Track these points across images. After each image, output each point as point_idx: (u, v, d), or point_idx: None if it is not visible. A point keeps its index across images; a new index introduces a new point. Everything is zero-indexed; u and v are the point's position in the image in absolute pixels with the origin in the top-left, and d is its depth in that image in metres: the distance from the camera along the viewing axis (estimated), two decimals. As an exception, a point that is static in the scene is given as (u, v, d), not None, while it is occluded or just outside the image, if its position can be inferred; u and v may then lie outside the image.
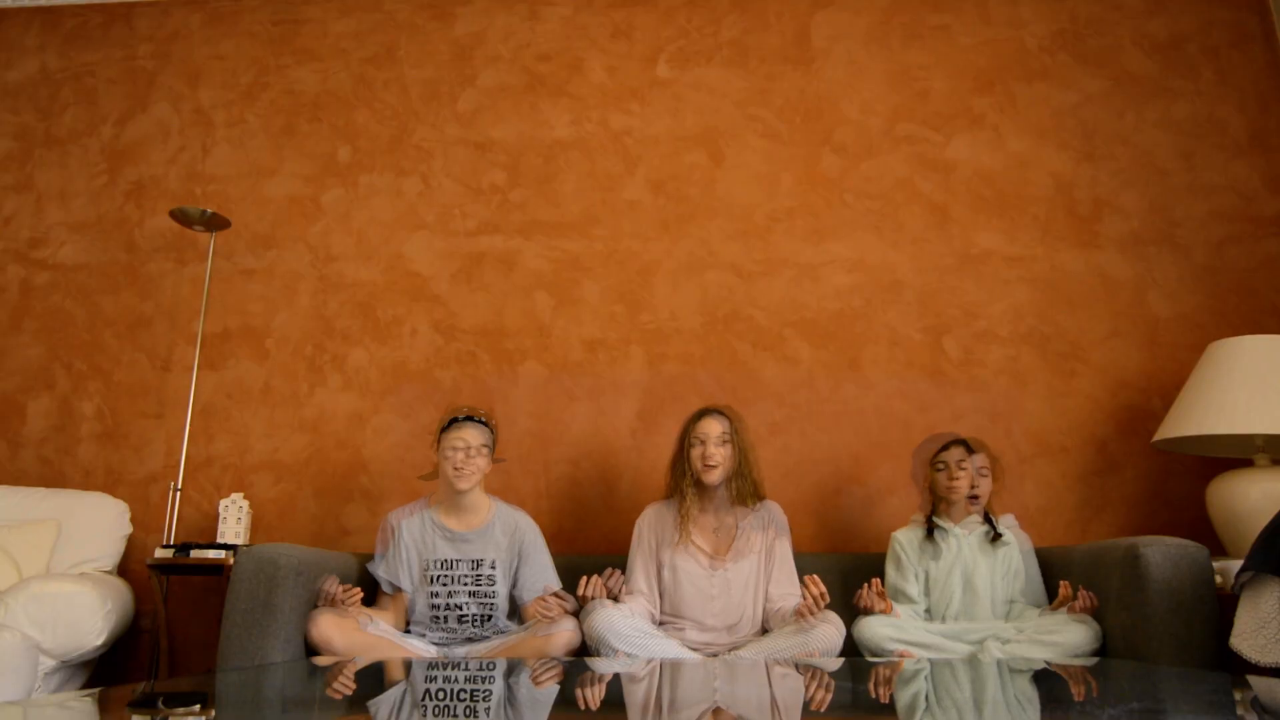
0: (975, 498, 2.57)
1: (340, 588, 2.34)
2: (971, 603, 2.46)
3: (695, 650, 2.43)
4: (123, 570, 3.10)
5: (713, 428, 2.54)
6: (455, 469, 2.50)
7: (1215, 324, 3.07)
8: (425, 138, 3.49)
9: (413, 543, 2.56)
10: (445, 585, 2.52)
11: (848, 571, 2.67)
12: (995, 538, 2.51)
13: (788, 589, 2.49)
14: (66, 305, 3.45)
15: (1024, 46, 3.38)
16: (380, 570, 2.56)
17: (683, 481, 2.56)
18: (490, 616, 2.52)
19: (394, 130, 3.51)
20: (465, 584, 2.52)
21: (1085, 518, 2.97)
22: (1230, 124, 3.25)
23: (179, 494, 3.08)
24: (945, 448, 2.56)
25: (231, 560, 2.78)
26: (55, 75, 3.72)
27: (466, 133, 3.48)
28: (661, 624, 2.51)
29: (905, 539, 2.57)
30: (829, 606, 2.34)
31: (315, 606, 2.39)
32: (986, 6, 3.43)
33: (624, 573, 2.55)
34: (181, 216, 3.21)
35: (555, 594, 2.46)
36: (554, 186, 3.40)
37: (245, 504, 3.04)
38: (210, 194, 3.51)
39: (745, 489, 2.55)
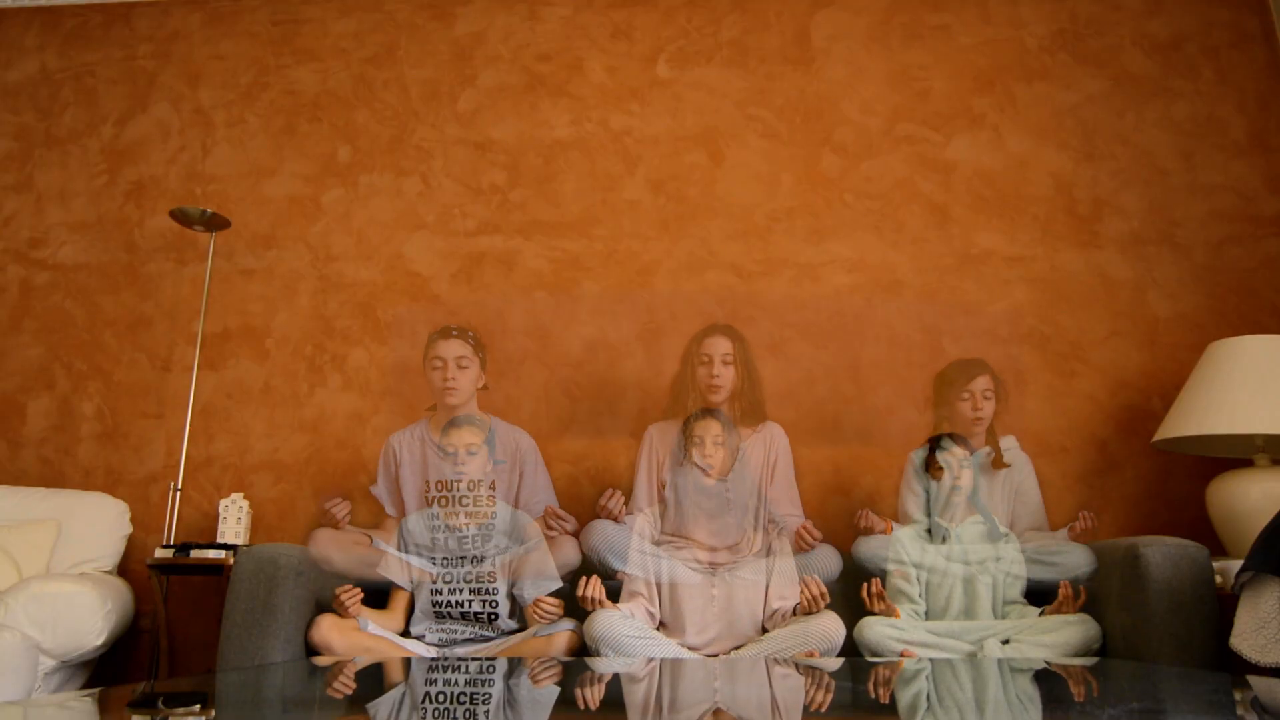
0: (980, 419, 2.56)
1: (342, 589, 2.35)
2: (972, 601, 2.46)
3: (696, 570, 2.42)
4: (123, 570, 3.10)
5: (718, 346, 2.54)
6: (443, 384, 2.50)
7: (1215, 324, 3.07)
8: (425, 138, 3.49)
9: (413, 541, 2.56)
10: (444, 506, 2.50)
11: (848, 571, 2.67)
12: (995, 535, 2.51)
13: (789, 509, 2.49)
14: (66, 305, 3.45)
15: (1024, 46, 3.38)
16: (383, 497, 2.56)
17: (686, 400, 2.56)
18: (489, 538, 2.50)
19: (394, 130, 3.51)
20: (464, 504, 2.50)
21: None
22: (1230, 124, 3.24)
23: (179, 494, 3.08)
24: (973, 377, 2.53)
25: (231, 560, 2.78)
26: (55, 75, 3.72)
27: (466, 133, 3.48)
28: (662, 543, 2.52)
29: (906, 537, 2.56)
30: (829, 607, 2.35)
31: (315, 606, 2.39)
32: (986, 6, 3.43)
33: (623, 493, 2.56)
34: (181, 216, 3.21)
35: (555, 513, 2.46)
36: (554, 186, 3.40)
37: (245, 504, 3.04)
38: (210, 194, 3.50)
39: (749, 409, 2.55)
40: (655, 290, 3.29)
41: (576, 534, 2.43)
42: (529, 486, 2.55)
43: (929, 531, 2.49)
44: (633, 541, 2.35)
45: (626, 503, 2.55)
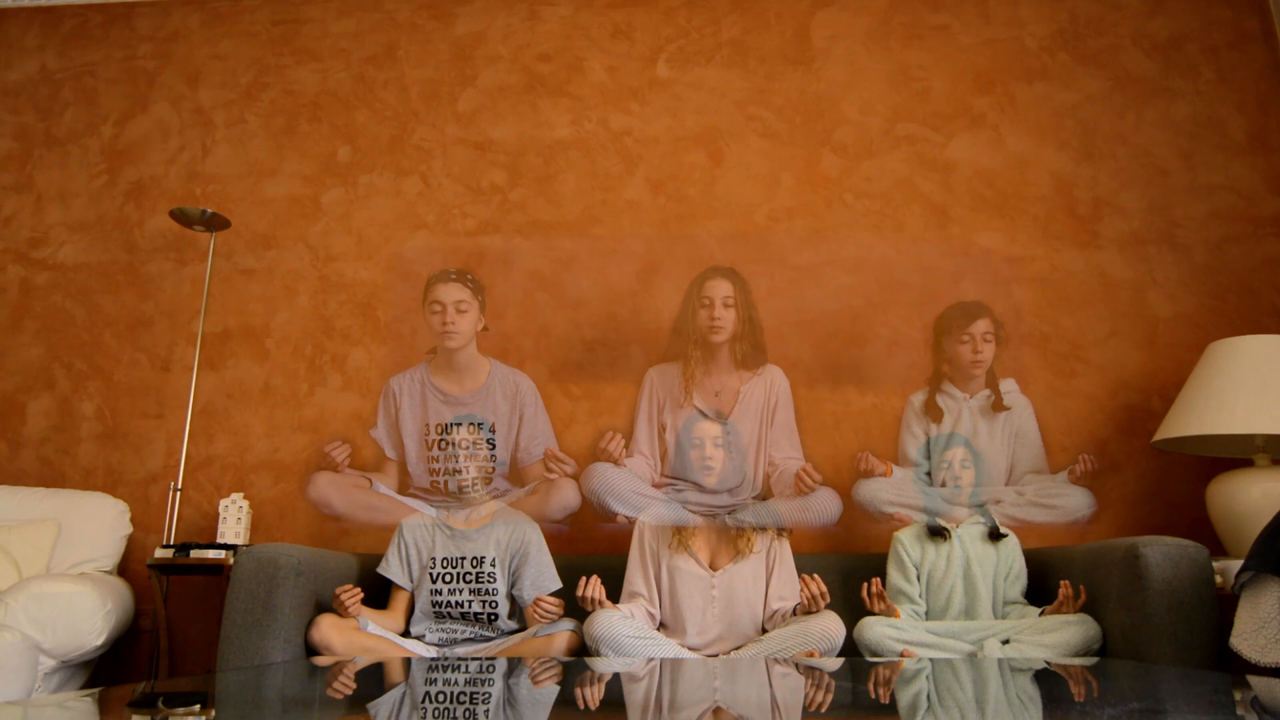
0: (979, 362, 2.57)
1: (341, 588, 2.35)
2: (972, 601, 2.46)
3: (695, 513, 2.42)
4: (123, 570, 3.10)
5: (719, 289, 2.56)
6: (442, 328, 2.52)
7: (1215, 324, 3.07)
8: (425, 138, 3.49)
9: (414, 540, 2.56)
10: (443, 450, 2.50)
11: (848, 571, 2.67)
12: (996, 536, 2.51)
13: (789, 451, 2.51)
14: (66, 305, 3.45)
15: (1024, 46, 3.38)
16: (382, 440, 2.57)
17: (687, 343, 2.58)
18: (490, 480, 2.50)
19: (394, 130, 3.51)
20: (465, 448, 2.49)
21: (1085, 518, 2.97)
22: (1230, 124, 3.25)
23: (179, 494, 3.08)
24: (972, 320, 2.54)
25: (231, 560, 2.78)
26: (55, 75, 3.72)
27: (466, 133, 3.48)
28: (662, 485, 2.53)
29: (907, 538, 2.57)
30: (829, 607, 2.35)
31: (315, 606, 2.38)
32: (986, 6, 3.43)
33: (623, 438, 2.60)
34: (181, 216, 3.21)
35: (554, 455, 2.47)
36: (554, 186, 3.40)
37: (245, 504, 3.04)
38: (210, 194, 3.51)
39: (749, 351, 2.56)
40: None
41: (576, 477, 2.44)
42: (529, 429, 2.57)
43: (928, 474, 2.49)
44: (638, 487, 2.38)
45: (627, 445, 2.56)
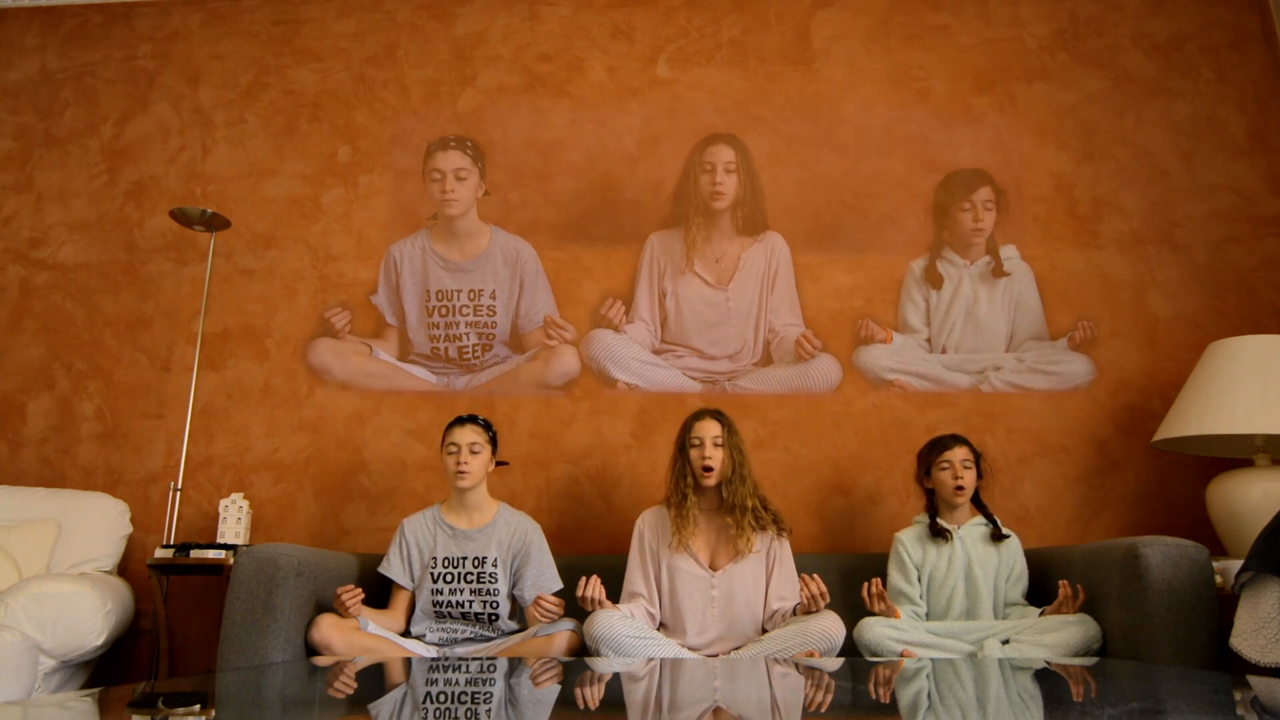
0: (980, 229, 2.60)
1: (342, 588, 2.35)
2: (973, 602, 2.46)
3: (694, 379, 2.45)
4: (123, 570, 3.10)
5: (721, 155, 2.62)
6: (442, 196, 2.54)
7: (1215, 324, 3.07)
8: (425, 138, 3.49)
9: (415, 540, 2.56)
10: (444, 316, 2.50)
11: (848, 571, 2.67)
12: (997, 537, 2.51)
13: (789, 319, 2.55)
14: (66, 305, 3.45)
15: (1024, 46, 3.38)
16: (383, 306, 2.59)
17: (689, 208, 2.60)
18: (490, 346, 2.51)
19: (394, 130, 3.51)
20: (465, 315, 2.49)
21: (1085, 518, 2.97)
22: (1230, 124, 3.25)
23: (179, 494, 3.08)
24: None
25: (231, 560, 2.78)
26: (55, 75, 3.72)
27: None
28: (662, 352, 2.54)
29: (908, 539, 2.57)
30: (830, 607, 2.35)
31: (315, 606, 2.39)
32: (986, 6, 3.44)
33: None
34: (181, 216, 3.21)
35: (554, 322, 2.49)
36: (554, 186, 3.40)
37: (245, 504, 3.04)
38: (210, 194, 3.51)
39: (750, 217, 2.59)
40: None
41: (576, 343, 2.45)
42: (529, 296, 2.58)
43: (928, 341, 2.50)
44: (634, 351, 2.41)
45: (627, 311, 2.58)
